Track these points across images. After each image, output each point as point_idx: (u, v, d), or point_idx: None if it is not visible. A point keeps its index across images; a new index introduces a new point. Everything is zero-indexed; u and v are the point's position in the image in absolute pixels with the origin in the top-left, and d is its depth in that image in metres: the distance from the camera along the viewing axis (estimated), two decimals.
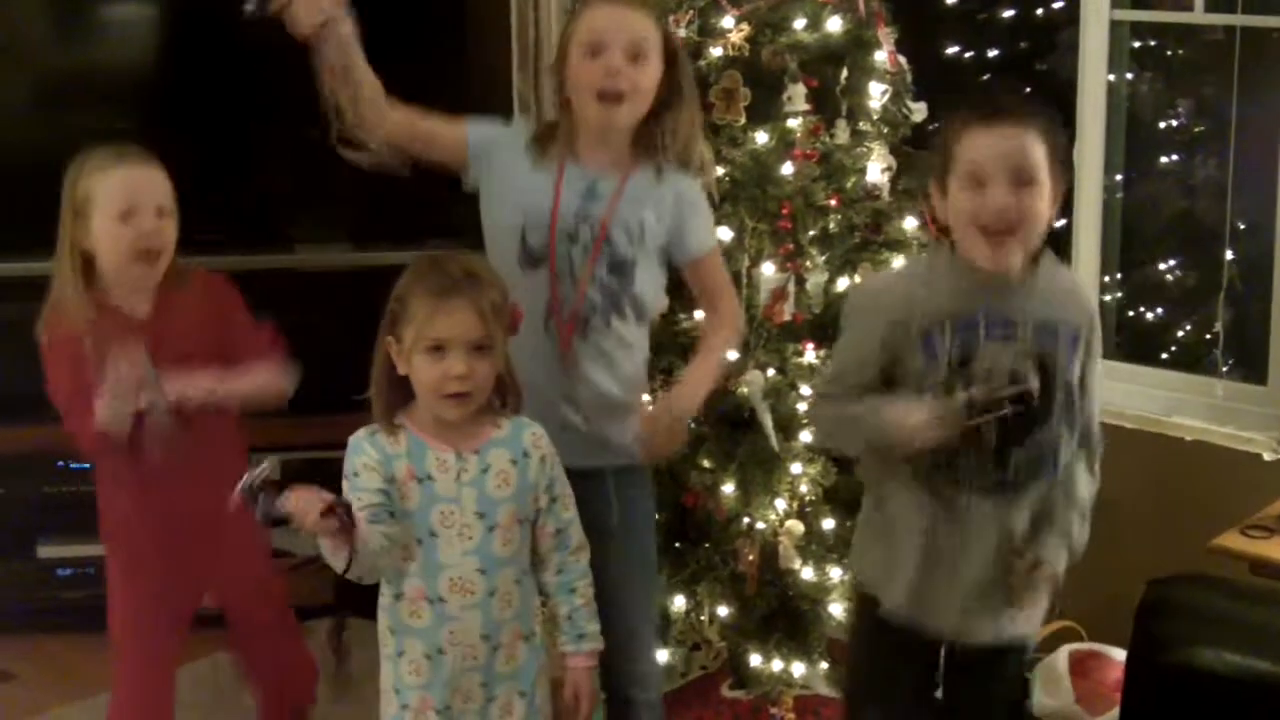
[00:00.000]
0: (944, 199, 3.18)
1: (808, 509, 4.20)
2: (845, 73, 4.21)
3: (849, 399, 3.23)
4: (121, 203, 3.60)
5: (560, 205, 3.46)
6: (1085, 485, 3.35)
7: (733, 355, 4.00)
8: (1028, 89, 5.00)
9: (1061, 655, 4.25)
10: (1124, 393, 4.61)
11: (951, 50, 5.07)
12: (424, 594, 3.14)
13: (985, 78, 5.13)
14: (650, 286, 3.52)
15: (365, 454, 3.12)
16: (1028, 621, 3.34)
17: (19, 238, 4.92)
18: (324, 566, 5.06)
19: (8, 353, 5.02)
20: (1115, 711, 3.69)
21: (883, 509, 3.35)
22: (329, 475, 5.03)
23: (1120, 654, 4.08)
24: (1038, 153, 3.08)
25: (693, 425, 4.08)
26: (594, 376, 3.50)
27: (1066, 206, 4.60)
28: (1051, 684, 4.20)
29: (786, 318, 4.14)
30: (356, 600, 5.00)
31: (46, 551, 5.03)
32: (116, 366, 3.50)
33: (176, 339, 3.64)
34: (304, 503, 2.90)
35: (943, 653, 3.37)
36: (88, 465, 4.98)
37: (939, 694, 3.45)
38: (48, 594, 5.02)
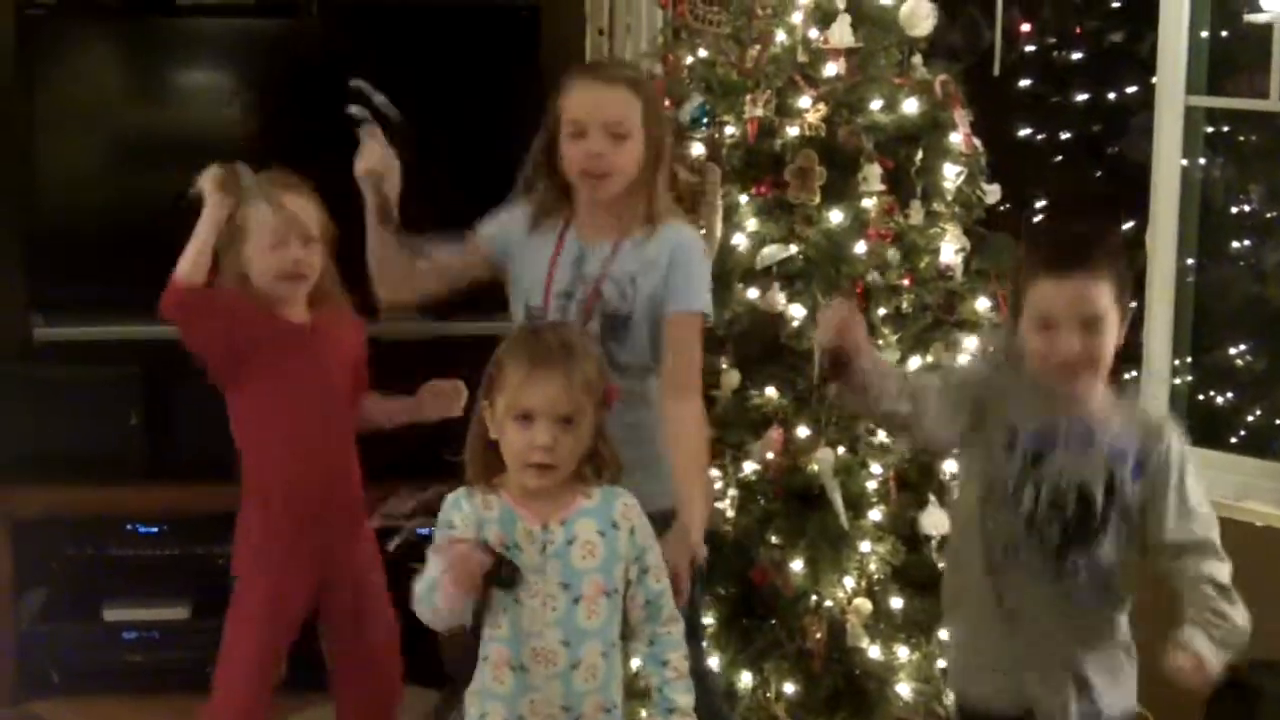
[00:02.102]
0: (1019, 336, 3.29)
1: (876, 587, 4.18)
2: (920, 153, 4.23)
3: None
4: (274, 235, 3.85)
5: (556, 268, 3.60)
6: (1212, 572, 3.32)
7: (803, 432, 4.01)
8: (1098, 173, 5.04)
9: None
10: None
11: (1024, 132, 5.09)
12: (508, 660, 3.13)
13: (1056, 160, 5.15)
14: (646, 341, 3.57)
15: (461, 510, 3.14)
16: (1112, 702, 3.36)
17: (82, 306, 5.02)
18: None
19: (78, 414, 5.10)
20: None
21: (955, 613, 3.46)
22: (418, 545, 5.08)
23: None
24: (1105, 298, 3.20)
25: (761, 501, 4.10)
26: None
27: (1139, 290, 4.67)
28: None
29: None
30: (418, 669, 5.05)
31: (112, 614, 5.04)
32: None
33: (336, 348, 3.97)
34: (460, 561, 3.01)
35: None
36: (155, 530, 5.06)
37: None
38: (113, 656, 5.04)
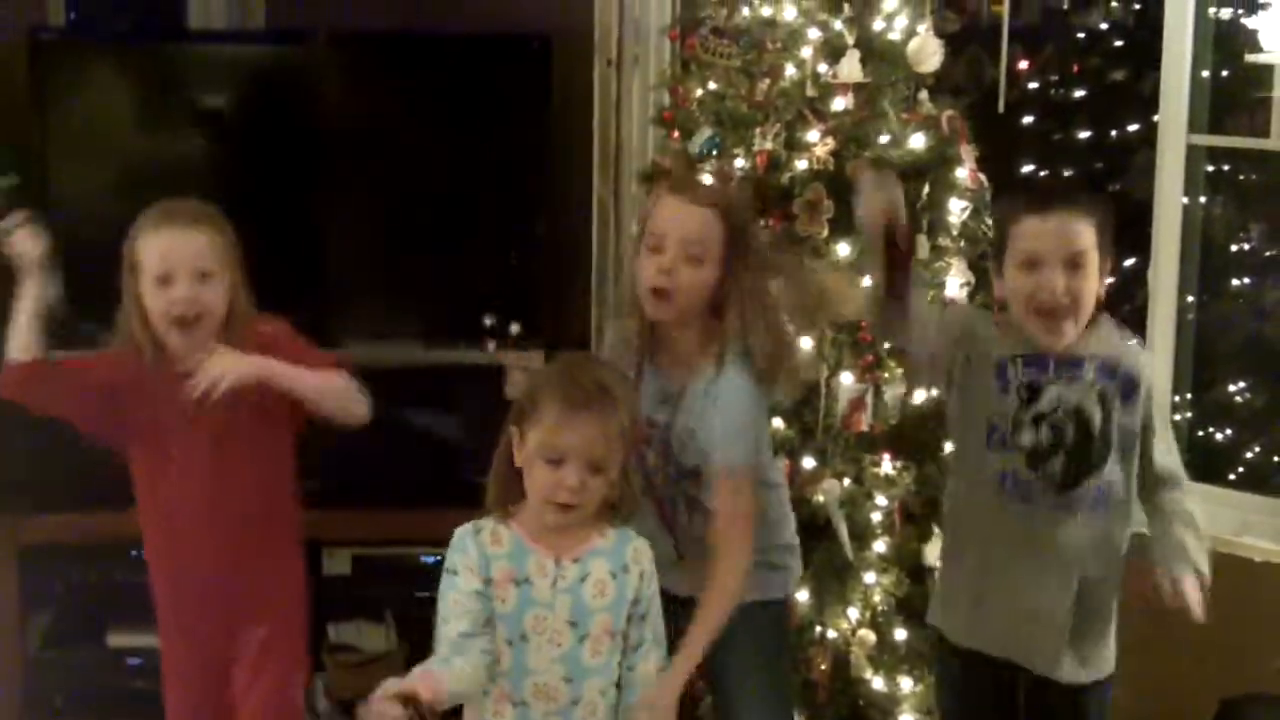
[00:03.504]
0: (1000, 279, 3.41)
1: (880, 619, 4.21)
2: (927, 188, 4.26)
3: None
4: (158, 268, 3.54)
5: (643, 397, 3.48)
6: (1183, 503, 3.45)
7: (809, 463, 4.05)
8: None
9: None
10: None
11: (1028, 168, 5.12)
12: (508, 696, 3.14)
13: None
14: None
15: (466, 553, 3.13)
16: (1102, 662, 3.47)
17: (85, 333, 5.03)
18: (388, 665, 5.14)
19: (83, 440, 5.10)
20: None
21: (956, 535, 3.59)
22: (398, 570, 5.11)
23: None
24: (1087, 236, 3.31)
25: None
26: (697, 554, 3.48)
27: (1140, 326, 4.71)
28: None
29: (864, 428, 4.18)
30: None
31: (116, 640, 5.03)
32: None
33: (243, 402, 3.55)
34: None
35: (1021, 696, 3.47)
36: None
37: None
38: (118, 682, 5.03)
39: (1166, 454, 3.44)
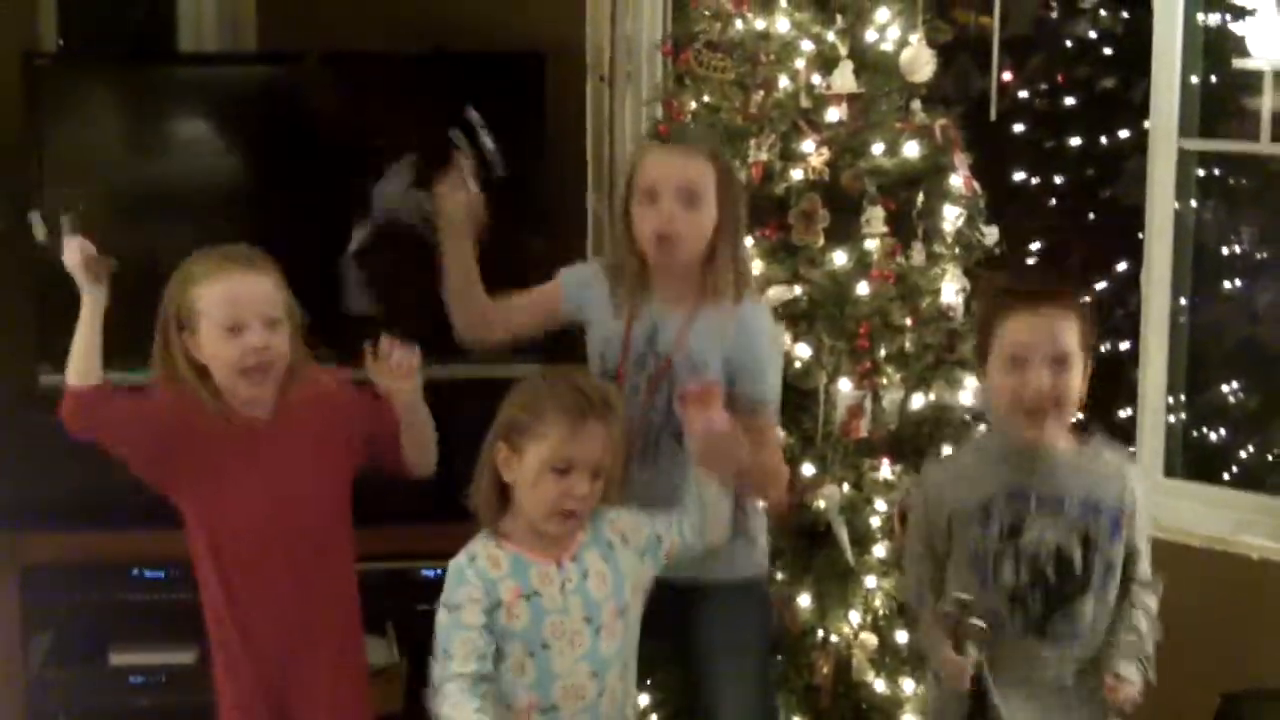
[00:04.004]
0: (986, 380, 3.45)
1: (881, 622, 4.23)
2: (921, 196, 4.29)
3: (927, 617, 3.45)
4: (228, 317, 3.44)
5: (631, 338, 3.61)
6: (1146, 609, 3.50)
7: (808, 470, 4.08)
8: (1092, 215, 5.12)
9: None
10: (1191, 512, 4.67)
11: (1019, 177, 5.16)
12: (537, 705, 3.18)
13: (1052, 203, 5.23)
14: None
15: (469, 584, 3.16)
16: None
17: (103, 350, 5.05)
18: (393, 677, 5.15)
19: (84, 460, 5.11)
20: None
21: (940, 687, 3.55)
22: (399, 584, 5.12)
23: None
24: (1073, 336, 3.34)
25: (768, 538, 4.15)
26: (669, 497, 3.53)
27: (1134, 330, 4.74)
28: None
29: (863, 434, 4.19)
30: (425, 710, 5.08)
31: (119, 659, 5.04)
32: None
33: (298, 443, 3.55)
34: None
35: None
36: (161, 574, 5.07)
37: None
38: (120, 701, 5.04)
39: (1145, 568, 3.49)
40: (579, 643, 3.18)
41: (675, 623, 3.63)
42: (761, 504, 3.76)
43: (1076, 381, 3.34)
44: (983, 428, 4.00)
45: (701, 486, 3.34)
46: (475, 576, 3.16)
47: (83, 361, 3.45)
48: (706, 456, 3.33)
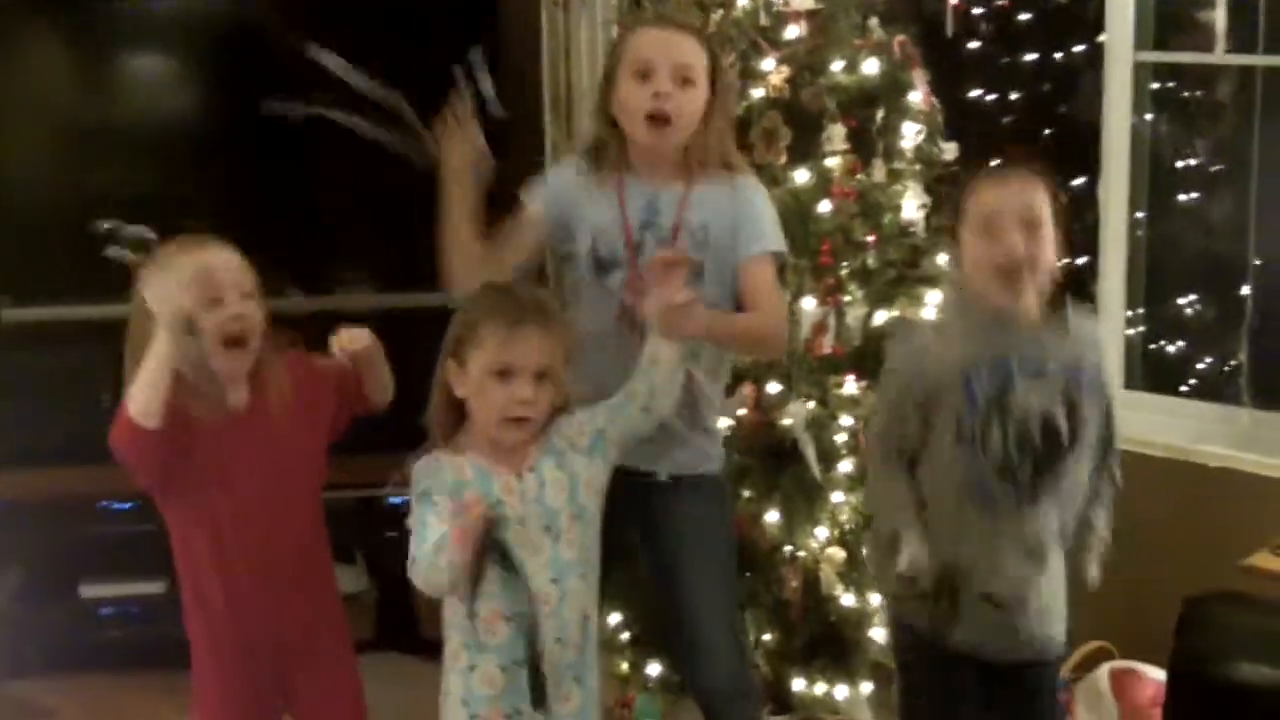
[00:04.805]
0: (959, 254, 3.46)
1: (849, 536, 4.28)
2: (881, 113, 4.32)
3: (898, 482, 3.45)
4: (207, 292, 3.39)
5: (629, 217, 3.58)
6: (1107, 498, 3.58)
7: (774, 388, 4.10)
8: (1048, 131, 5.14)
9: (1103, 674, 4.33)
10: (1151, 422, 4.72)
11: (975, 93, 5.18)
12: (501, 613, 3.22)
13: (1008, 119, 5.24)
14: (720, 290, 3.57)
15: (439, 476, 3.20)
16: (1063, 633, 3.53)
17: (50, 286, 5.03)
18: (363, 604, 5.18)
19: (49, 395, 5.12)
20: None
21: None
22: (367, 512, 5.15)
23: (1154, 671, 4.18)
24: (1043, 203, 3.36)
25: (736, 456, 4.17)
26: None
27: (1092, 244, 4.78)
28: (1095, 702, 4.28)
29: (827, 350, 4.23)
30: (396, 635, 5.12)
31: (89, 591, 5.08)
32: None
33: (284, 428, 3.52)
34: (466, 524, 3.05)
35: (989, 682, 3.52)
36: (128, 506, 5.08)
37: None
38: (90, 633, 5.07)
39: (1117, 431, 3.55)
40: (541, 551, 3.23)
41: (640, 517, 3.67)
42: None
43: (1049, 248, 3.36)
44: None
45: (656, 350, 3.35)
46: (444, 471, 3.22)
47: (148, 401, 3.28)
48: (664, 323, 3.32)
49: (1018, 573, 3.41)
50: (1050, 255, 3.36)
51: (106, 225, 3.58)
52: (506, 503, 3.21)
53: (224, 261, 3.46)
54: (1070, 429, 3.39)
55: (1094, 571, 3.51)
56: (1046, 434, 3.37)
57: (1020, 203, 3.34)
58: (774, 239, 3.61)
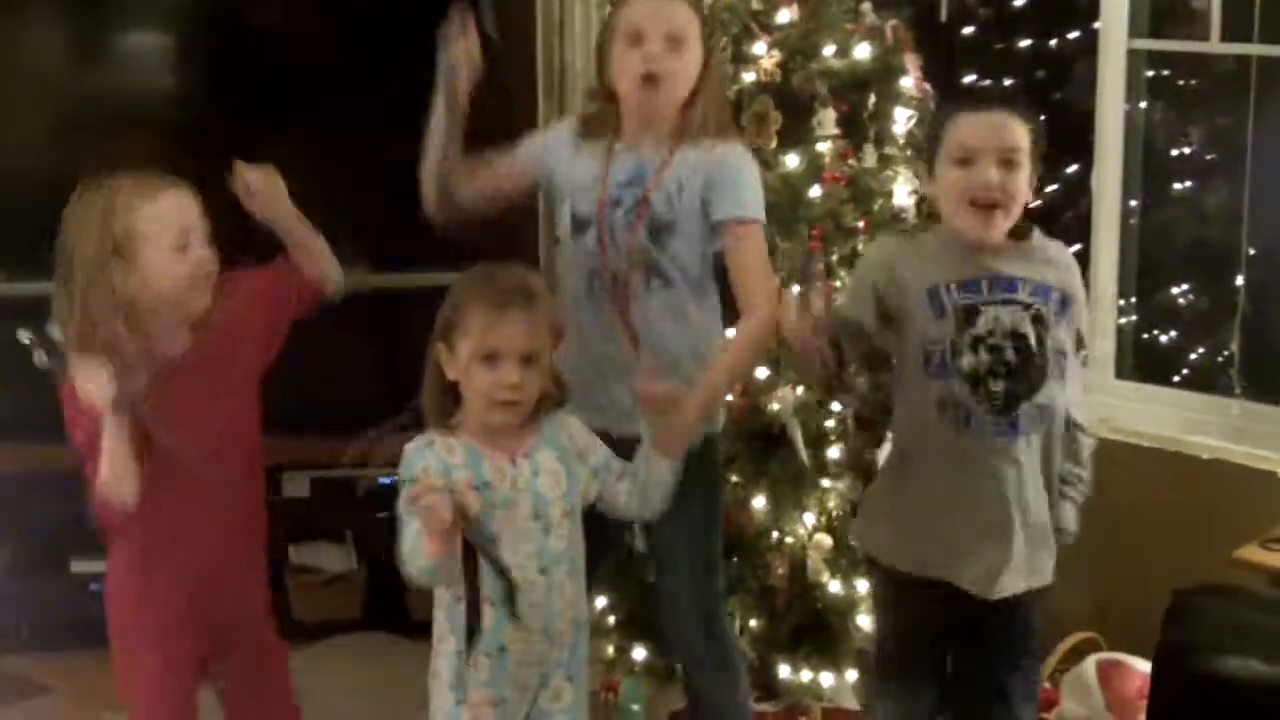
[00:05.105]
0: (932, 182, 3.49)
1: (836, 524, 4.27)
2: (873, 98, 4.30)
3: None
4: (177, 236, 3.39)
5: (610, 177, 3.64)
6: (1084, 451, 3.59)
7: (762, 374, 4.09)
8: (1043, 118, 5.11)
9: (1089, 665, 4.33)
10: (1142, 412, 4.73)
11: (969, 79, 5.16)
12: (488, 597, 3.21)
13: None
14: (692, 249, 3.63)
15: (426, 460, 3.20)
16: (1043, 571, 3.54)
17: (43, 260, 5.03)
18: (352, 583, 5.19)
19: (35, 372, 5.10)
20: (1141, 719, 3.78)
21: (897, 463, 3.62)
22: (356, 492, 5.15)
23: (1142, 663, 4.18)
24: (1021, 135, 3.39)
25: (723, 442, 4.17)
26: (642, 339, 3.63)
27: (1085, 232, 4.76)
28: (1081, 693, 4.28)
29: None
30: (384, 615, 5.12)
31: (79, 567, 5.06)
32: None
33: (224, 369, 3.52)
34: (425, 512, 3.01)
35: (959, 614, 3.55)
36: None
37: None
38: (81, 609, 5.04)
39: (1083, 357, 3.59)
40: (528, 538, 3.22)
41: None
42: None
43: (1023, 183, 3.39)
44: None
45: (650, 463, 3.36)
46: (432, 456, 3.21)
47: (122, 485, 3.29)
48: (662, 443, 3.35)
49: (998, 510, 3.44)
50: (1024, 190, 3.40)
51: (28, 336, 3.48)
52: (494, 486, 3.21)
53: (186, 204, 3.44)
54: (1039, 343, 3.41)
55: (1071, 523, 3.54)
56: (1018, 347, 3.40)
57: (998, 138, 3.37)
58: (754, 206, 3.64)
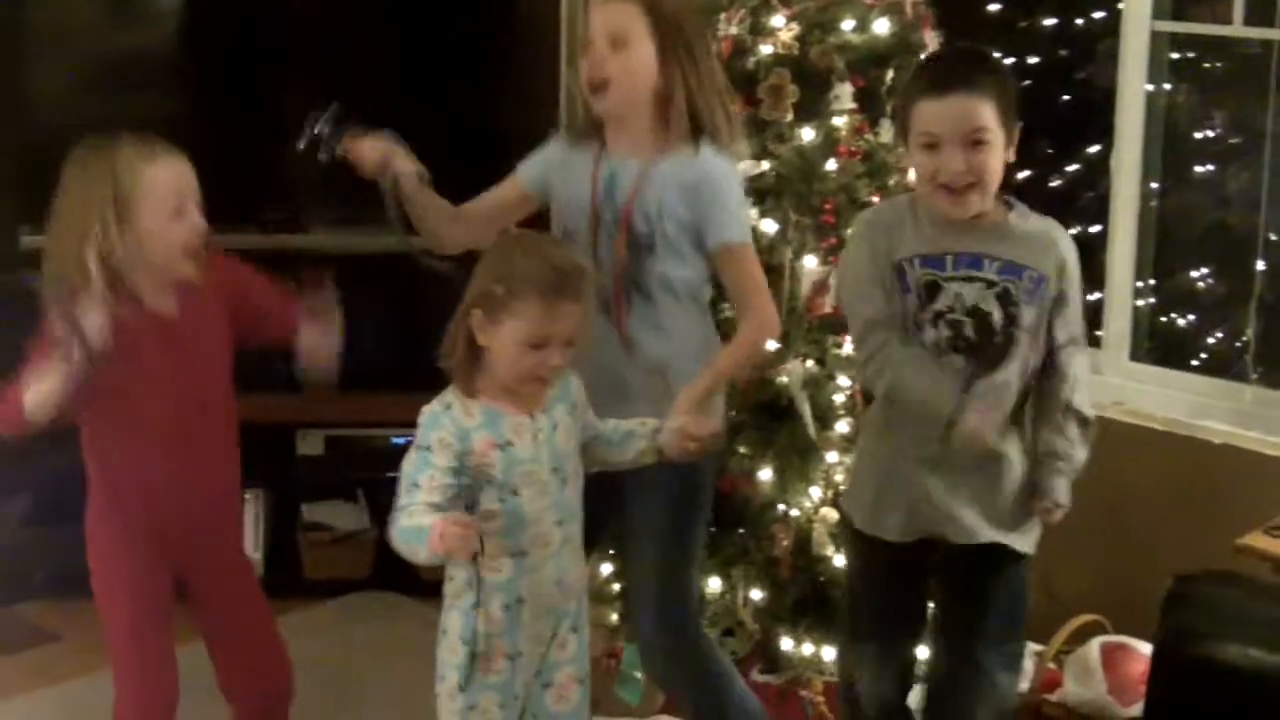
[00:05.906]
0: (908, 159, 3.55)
1: (841, 498, 4.27)
2: (891, 74, 4.28)
3: (892, 347, 3.46)
4: (173, 200, 3.50)
5: (597, 189, 3.65)
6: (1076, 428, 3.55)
7: (771, 346, 4.10)
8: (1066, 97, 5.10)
9: (1093, 647, 4.32)
10: (1154, 396, 4.72)
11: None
12: (506, 549, 3.27)
13: (1024, 84, 5.20)
14: (677, 266, 3.64)
15: (442, 428, 3.23)
16: (1016, 531, 3.57)
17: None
18: (363, 542, 5.21)
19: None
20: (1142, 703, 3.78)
21: (870, 445, 3.68)
22: (370, 451, 5.18)
23: (1146, 646, 4.17)
24: (986, 113, 3.36)
25: (731, 413, 4.18)
26: (628, 353, 3.66)
27: (1103, 213, 4.74)
28: (1084, 675, 4.28)
29: (827, 310, 4.22)
30: (394, 574, 5.15)
31: None
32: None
33: (208, 332, 3.63)
34: (458, 540, 3.05)
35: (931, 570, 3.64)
36: None
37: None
38: None
39: (1075, 322, 3.54)
40: (548, 491, 3.29)
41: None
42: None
43: (994, 159, 3.37)
44: None
45: (641, 445, 3.44)
46: (449, 422, 3.24)
47: (42, 402, 3.49)
48: (669, 448, 3.44)
49: (951, 464, 3.47)
50: (997, 163, 3.38)
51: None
52: (516, 443, 3.26)
53: (183, 171, 3.53)
54: (1005, 326, 3.41)
55: (1063, 496, 3.52)
56: (980, 327, 3.41)
57: (961, 123, 3.34)
58: (740, 229, 3.66)
